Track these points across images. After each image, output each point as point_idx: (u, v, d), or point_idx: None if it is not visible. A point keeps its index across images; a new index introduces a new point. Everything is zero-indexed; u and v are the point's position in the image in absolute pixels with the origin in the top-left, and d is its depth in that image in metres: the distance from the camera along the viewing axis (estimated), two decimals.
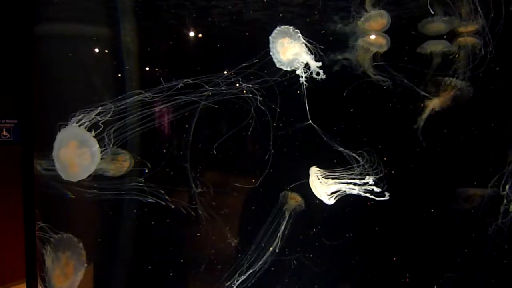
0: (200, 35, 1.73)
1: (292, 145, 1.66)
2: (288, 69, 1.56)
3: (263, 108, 1.58)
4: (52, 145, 1.63)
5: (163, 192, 1.61)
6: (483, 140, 1.64)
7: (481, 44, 1.53)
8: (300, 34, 1.54)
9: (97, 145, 1.54)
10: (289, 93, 1.58)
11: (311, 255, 1.71)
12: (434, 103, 1.59)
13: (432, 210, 1.66)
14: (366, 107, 1.66)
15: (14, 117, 4.43)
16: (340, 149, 1.58)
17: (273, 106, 1.58)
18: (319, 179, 1.59)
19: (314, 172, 1.60)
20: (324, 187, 1.59)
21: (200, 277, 1.73)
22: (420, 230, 1.68)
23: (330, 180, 1.60)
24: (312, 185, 1.60)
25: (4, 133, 4.44)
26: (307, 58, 1.53)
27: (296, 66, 1.54)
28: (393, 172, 1.60)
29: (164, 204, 1.61)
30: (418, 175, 1.66)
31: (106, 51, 1.81)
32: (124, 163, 1.65)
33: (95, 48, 1.79)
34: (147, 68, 1.75)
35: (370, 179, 1.55)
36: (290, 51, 1.55)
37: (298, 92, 1.56)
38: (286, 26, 1.55)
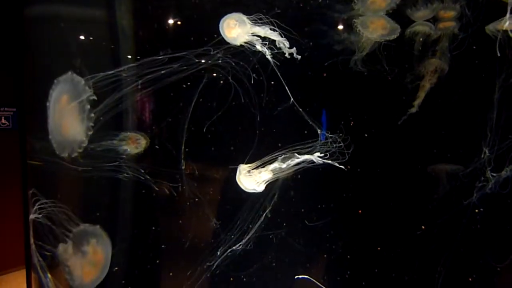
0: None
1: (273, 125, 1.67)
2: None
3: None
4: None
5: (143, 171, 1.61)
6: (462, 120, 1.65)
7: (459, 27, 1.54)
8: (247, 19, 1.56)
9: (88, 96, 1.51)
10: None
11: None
12: (425, 85, 1.59)
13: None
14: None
15: (14, 105, 4.46)
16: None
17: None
18: (249, 172, 1.61)
19: (243, 169, 1.61)
20: (253, 178, 1.60)
21: (183, 257, 1.74)
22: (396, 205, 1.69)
23: (263, 169, 1.61)
24: (239, 182, 1.60)
25: (3, 120, 4.46)
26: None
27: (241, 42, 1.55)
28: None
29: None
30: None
31: (101, 34, 1.78)
32: (137, 141, 1.66)
33: (90, 31, 1.76)
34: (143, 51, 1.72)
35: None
36: (235, 31, 1.56)
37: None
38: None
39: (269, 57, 1.55)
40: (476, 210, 1.59)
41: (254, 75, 1.56)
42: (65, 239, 1.61)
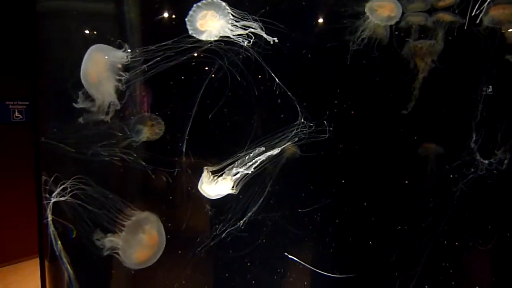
0: None
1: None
2: (203, 38, 1.58)
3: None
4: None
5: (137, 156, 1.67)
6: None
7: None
8: (228, 10, 1.58)
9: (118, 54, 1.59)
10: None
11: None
12: (422, 68, 1.62)
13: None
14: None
15: (27, 99, 4.56)
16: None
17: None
18: (211, 178, 1.64)
19: (205, 176, 1.65)
20: (216, 184, 1.63)
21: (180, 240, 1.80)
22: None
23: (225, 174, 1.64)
24: (201, 190, 1.64)
25: (17, 114, 4.57)
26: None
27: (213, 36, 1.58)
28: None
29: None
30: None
31: (110, 28, 1.83)
32: (154, 127, 1.71)
33: (99, 25, 1.81)
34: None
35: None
36: (211, 23, 1.58)
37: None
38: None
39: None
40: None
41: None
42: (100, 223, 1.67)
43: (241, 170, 1.63)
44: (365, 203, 1.72)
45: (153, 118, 1.73)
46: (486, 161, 1.59)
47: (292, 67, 1.69)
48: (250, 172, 1.64)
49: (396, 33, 1.64)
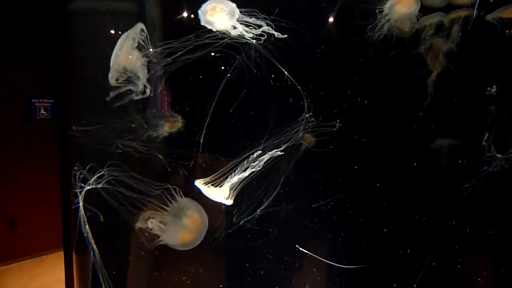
0: None
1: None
2: (214, 29, 1.66)
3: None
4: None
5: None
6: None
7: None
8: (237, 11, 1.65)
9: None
10: None
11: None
12: (435, 66, 1.64)
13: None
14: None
15: (52, 96, 4.71)
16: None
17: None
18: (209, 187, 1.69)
19: (201, 184, 1.69)
20: (218, 190, 1.68)
21: None
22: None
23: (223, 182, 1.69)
24: (208, 194, 1.68)
25: (42, 111, 4.73)
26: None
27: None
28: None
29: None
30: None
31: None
32: (175, 123, 1.78)
33: (124, 23, 1.86)
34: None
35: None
36: (216, 17, 1.65)
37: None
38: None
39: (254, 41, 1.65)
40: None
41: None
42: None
43: (251, 167, 1.68)
44: (378, 196, 1.76)
45: (174, 114, 1.80)
46: (501, 156, 1.60)
47: (306, 62, 1.74)
48: (260, 167, 1.68)
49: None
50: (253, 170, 1.68)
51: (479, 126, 1.64)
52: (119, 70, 1.69)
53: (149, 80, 1.72)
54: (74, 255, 2.12)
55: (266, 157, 1.68)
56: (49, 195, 4.50)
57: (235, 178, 1.69)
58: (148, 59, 1.70)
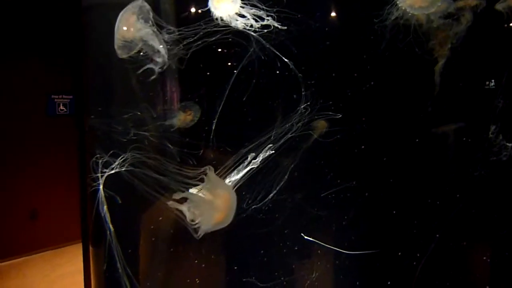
0: None
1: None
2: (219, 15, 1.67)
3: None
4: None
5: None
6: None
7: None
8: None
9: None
10: None
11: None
12: (441, 54, 1.64)
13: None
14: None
15: (71, 92, 4.82)
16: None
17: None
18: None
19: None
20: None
21: None
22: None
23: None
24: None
25: (61, 107, 4.86)
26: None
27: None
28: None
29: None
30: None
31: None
32: (188, 116, 1.83)
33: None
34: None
35: None
36: (223, 3, 1.68)
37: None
38: None
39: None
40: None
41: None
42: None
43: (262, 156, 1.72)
44: (386, 184, 1.78)
45: (188, 104, 1.85)
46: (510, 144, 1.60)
47: (315, 51, 1.77)
48: (269, 154, 1.72)
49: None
50: (262, 158, 1.72)
51: (487, 116, 1.64)
52: (129, 42, 1.70)
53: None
54: (90, 238, 2.18)
55: (274, 147, 1.71)
56: (68, 189, 4.62)
57: (246, 167, 1.74)
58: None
